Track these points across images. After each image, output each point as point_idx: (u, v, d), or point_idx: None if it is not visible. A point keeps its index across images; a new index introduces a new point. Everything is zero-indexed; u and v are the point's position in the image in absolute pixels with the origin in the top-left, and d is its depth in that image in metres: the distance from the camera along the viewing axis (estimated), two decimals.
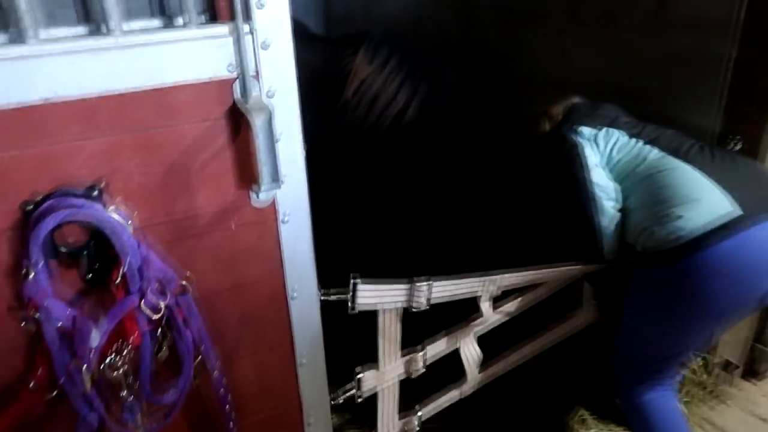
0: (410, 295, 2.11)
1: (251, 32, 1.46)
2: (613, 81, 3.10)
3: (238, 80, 1.47)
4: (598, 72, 3.16)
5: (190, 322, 1.49)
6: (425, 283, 2.11)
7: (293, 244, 1.68)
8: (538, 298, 2.52)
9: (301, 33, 3.66)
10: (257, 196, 1.57)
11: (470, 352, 2.41)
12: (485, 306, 2.34)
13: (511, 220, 3.27)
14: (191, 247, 1.53)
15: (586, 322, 2.78)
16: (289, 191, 1.61)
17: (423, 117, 3.30)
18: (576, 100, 2.70)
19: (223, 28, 1.42)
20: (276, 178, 1.52)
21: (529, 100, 3.29)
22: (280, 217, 1.63)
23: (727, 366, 3.04)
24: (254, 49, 1.47)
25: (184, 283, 1.47)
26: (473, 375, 2.47)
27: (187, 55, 1.39)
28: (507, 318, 2.48)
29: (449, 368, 2.43)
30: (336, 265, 2.04)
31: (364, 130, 3.33)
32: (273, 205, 1.60)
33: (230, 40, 1.43)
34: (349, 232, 3.91)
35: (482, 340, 2.44)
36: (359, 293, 1.99)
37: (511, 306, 2.46)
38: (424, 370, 2.30)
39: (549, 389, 3.02)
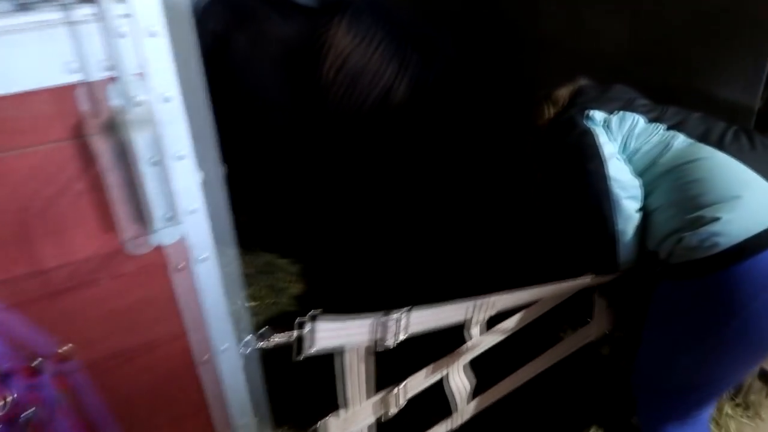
0: (380, 331, 1.66)
1: (100, 15, 0.98)
2: (636, 50, 2.55)
3: (107, 83, 1.01)
4: (619, 40, 2.61)
5: (48, 413, 1.06)
6: (397, 317, 1.65)
7: (200, 293, 1.23)
8: (540, 313, 2.06)
9: (272, 1, 3.17)
10: (139, 241, 1.12)
11: (459, 382, 1.97)
12: (475, 331, 1.88)
13: (510, 222, 2.77)
14: (49, 312, 1.09)
15: (599, 333, 2.32)
16: (188, 229, 1.16)
17: (413, 96, 2.79)
18: (584, 82, 2.19)
19: (56, 14, 0.94)
20: (167, 216, 1.07)
21: (539, 74, 2.79)
22: (177, 263, 1.18)
23: (762, 375, 2.57)
24: (112, 40, 0.99)
25: (34, 364, 1.03)
26: (464, 407, 2.03)
27: (14, 52, 0.93)
28: (503, 337, 2.03)
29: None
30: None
31: (345, 113, 2.84)
32: (164, 249, 1.15)
33: (86, 27, 0.96)
34: (327, 231, 3.48)
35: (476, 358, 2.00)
36: (316, 334, 1.54)
37: (507, 325, 2.01)
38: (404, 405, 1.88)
39: (559, 405, 2.59)
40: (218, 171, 1.23)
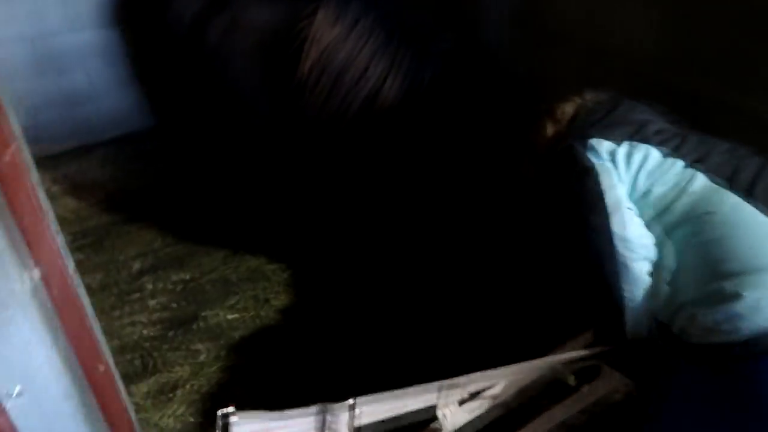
0: (321, 429, 1.30)
1: None
2: (663, 52, 2.07)
3: None
4: (642, 38, 2.13)
5: None
6: (345, 412, 1.29)
7: None
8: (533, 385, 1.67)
9: None
10: None
11: None
12: (448, 414, 1.50)
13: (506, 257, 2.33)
14: None
15: (607, 393, 1.91)
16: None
17: (405, 100, 2.36)
18: (590, 96, 1.76)
19: None
20: None
21: (548, 73, 2.33)
22: None
23: None
24: None
25: None
26: None
27: None
28: (489, 415, 1.64)
29: None
30: None
31: (326, 116, 2.43)
32: None
33: None
34: (317, 238, 3.10)
35: None
36: None
37: (490, 398, 1.62)
38: None
39: None
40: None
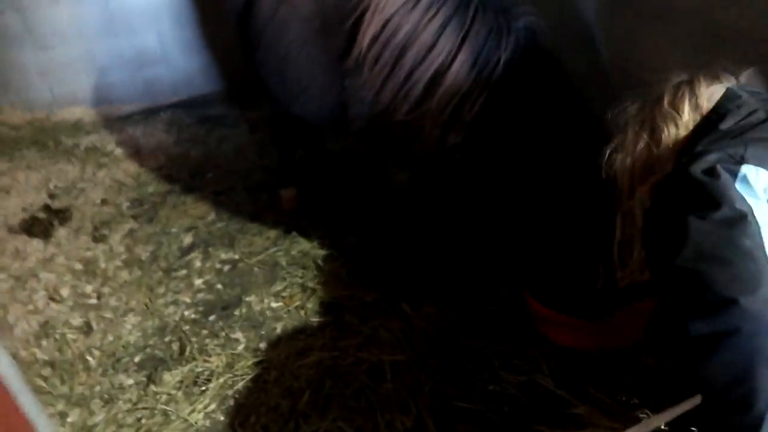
0: None
1: None
2: None
3: None
4: None
5: None
6: None
7: None
8: None
9: None
10: None
11: None
12: None
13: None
14: None
15: None
16: None
17: (476, 79, 1.97)
18: (745, 79, 1.28)
19: None
20: None
21: (659, 61, 1.88)
22: None
23: None
24: None
25: None
26: None
27: None
28: None
29: None
30: None
31: (386, 99, 2.08)
32: None
33: None
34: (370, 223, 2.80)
35: None
36: None
37: None
38: None
39: None
40: None
